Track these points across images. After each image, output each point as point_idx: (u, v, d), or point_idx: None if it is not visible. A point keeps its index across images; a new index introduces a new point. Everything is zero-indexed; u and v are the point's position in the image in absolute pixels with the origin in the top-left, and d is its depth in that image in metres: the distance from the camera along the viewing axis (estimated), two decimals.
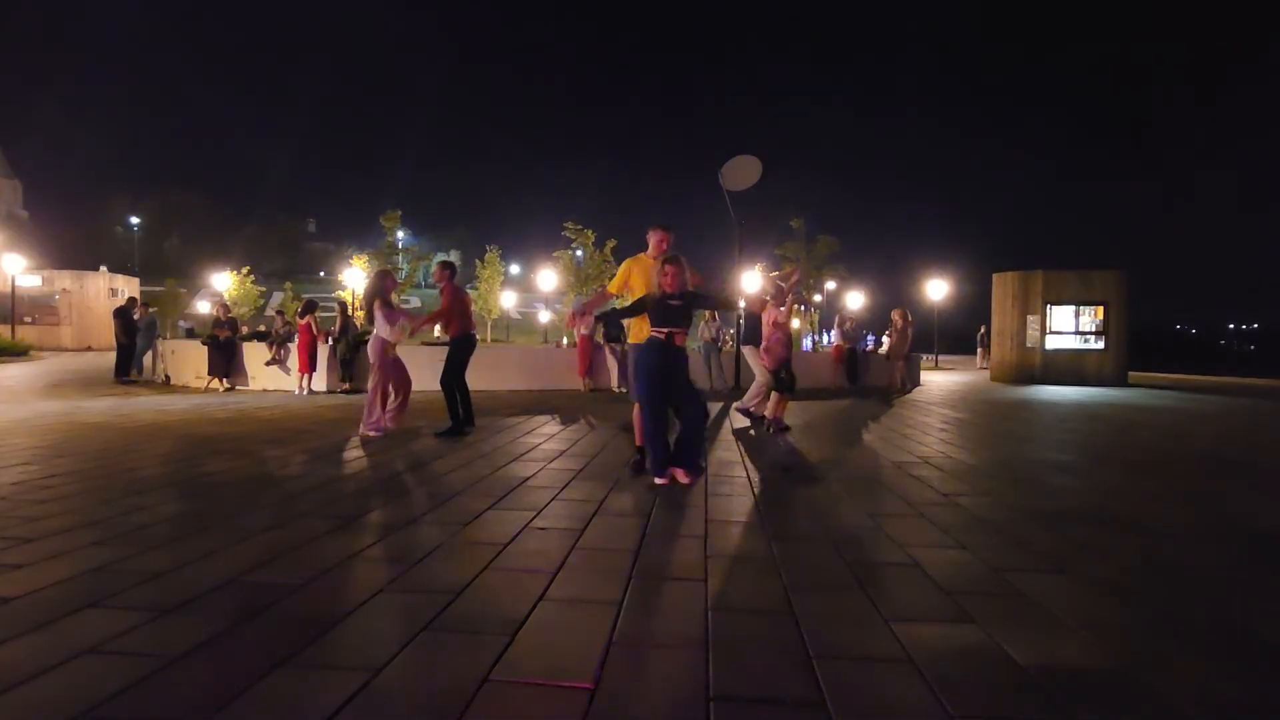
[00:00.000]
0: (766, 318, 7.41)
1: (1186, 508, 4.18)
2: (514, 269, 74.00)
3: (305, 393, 11.23)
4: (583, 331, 12.83)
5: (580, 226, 36.74)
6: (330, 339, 12.15)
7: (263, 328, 17.06)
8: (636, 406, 4.99)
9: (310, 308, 11.69)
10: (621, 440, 6.29)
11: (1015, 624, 2.37)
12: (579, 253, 38.32)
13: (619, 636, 2.23)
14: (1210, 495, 4.61)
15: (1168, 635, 2.32)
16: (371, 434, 6.48)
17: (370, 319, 6.71)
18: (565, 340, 33.51)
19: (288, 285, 56.82)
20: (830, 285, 38.80)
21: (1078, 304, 16.42)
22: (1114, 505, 4.24)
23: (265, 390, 11.87)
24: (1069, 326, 16.48)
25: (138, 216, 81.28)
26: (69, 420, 7.64)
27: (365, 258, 38.90)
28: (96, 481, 4.47)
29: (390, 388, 6.70)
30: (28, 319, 28.70)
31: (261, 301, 51.99)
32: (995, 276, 17.73)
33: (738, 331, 13.08)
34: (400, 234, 45.09)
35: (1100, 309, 16.31)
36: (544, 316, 49.64)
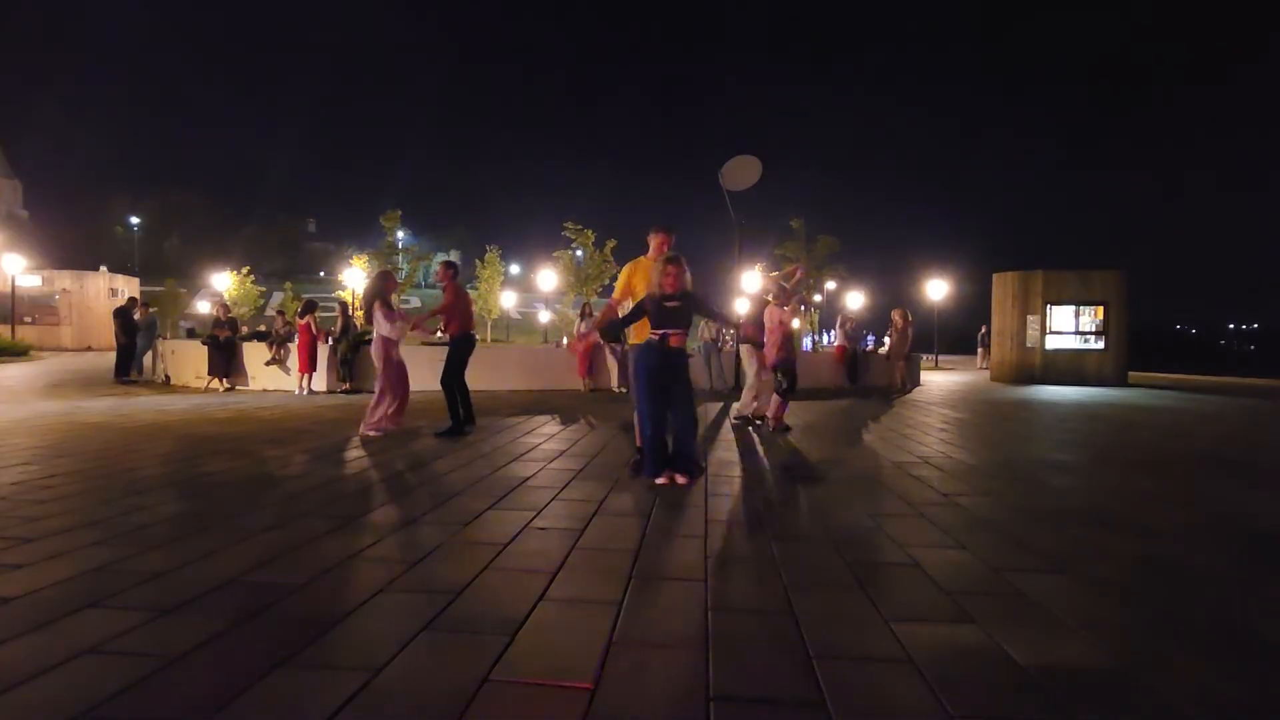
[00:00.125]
0: (770, 317, 7.41)
1: (1186, 508, 4.18)
2: (514, 269, 73.96)
3: (305, 393, 11.23)
4: (583, 331, 12.85)
5: (580, 226, 36.70)
6: (330, 339, 12.15)
7: (263, 328, 17.06)
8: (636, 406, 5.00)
9: (310, 308, 11.68)
10: (621, 440, 6.29)
11: (1015, 624, 2.37)
12: (579, 253, 38.28)
13: (619, 636, 2.23)
14: (1210, 495, 4.61)
15: (1168, 635, 2.32)
16: (372, 434, 6.48)
17: (370, 319, 6.71)
18: (565, 340, 33.52)
19: (288, 285, 56.74)
20: (830, 285, 38.79)
21: (1078, 304, 16.41)
22: (1114, 505, 4.24)
23: (265, 390, 11.87)
24: (1069, 326, 16.47)
25: (138, 216, 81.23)
26: (69, 420, 7.64)
27: (365, 258, 38.86)
28: (96, 481, 4.47)
29: (390, 389, 6.70)
30: (28, 319, 28.69)
31: (261, 301, 51.92)
32: (995, 276, 17.72)
33: (737, 331, 13.08)
34: (400, 234, 45.04)
35: (1100, 309, 16.30)
36: (544, 316, 49.61)
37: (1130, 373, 16.75)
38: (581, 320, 13.13)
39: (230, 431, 6.86)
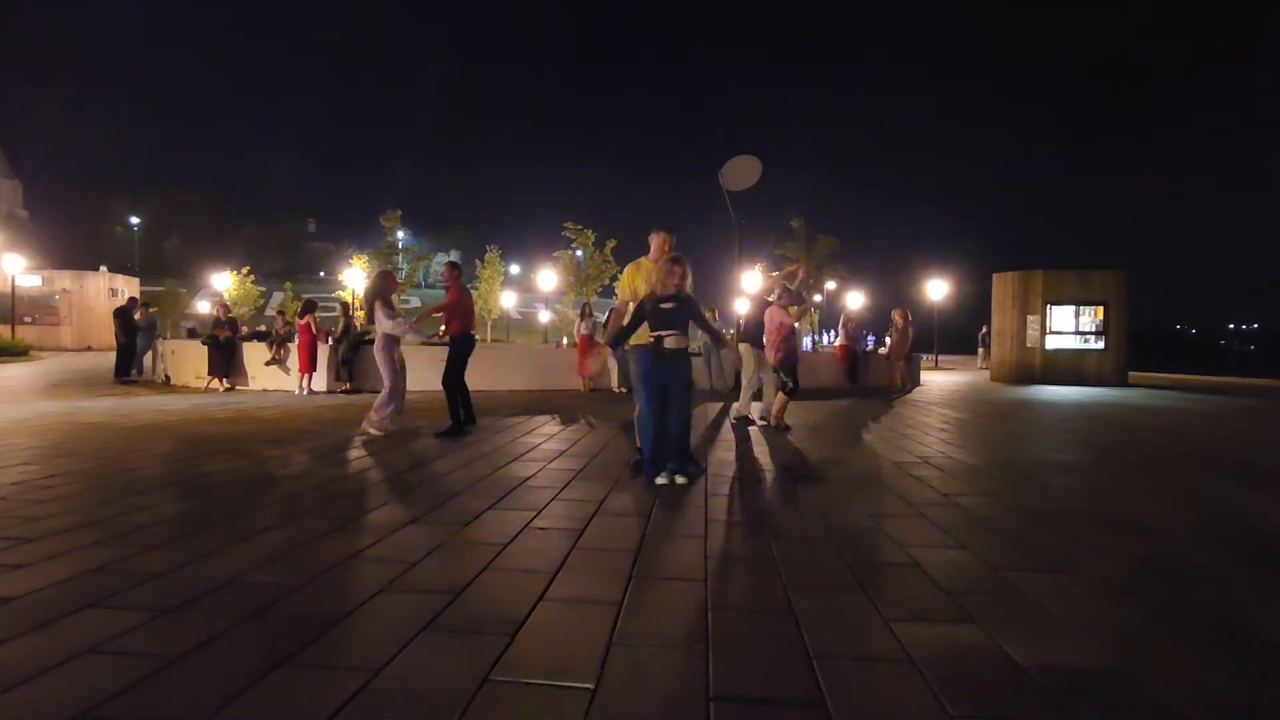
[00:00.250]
0: (770, 318, 7.41)
1: (1186, 508, 4.18)
2: (514, 269, 73.98)
3: (305, 393, 11.23)
4: (583, 331, 12.85)
5: (580, 226, 36.73)
6: (330, 339, 12.15)
7: (263, 328, 17.07)
8: (638, 407, 5.00)
9: (310, 308, 11.68)
10: (621, 440, 6.29)
11: (1015, 624, 2.37)
12: (579, 253, 38.30)
13: (619, 636, 2.23)
14: (1210, 495, 4.61)
15: (1168, 635, 2.32)
16: (374, 431, 6.49)
17: (371, 319, 6.73)
18: (565, 340, 33.52)
19: (288, 285, 56.79)
20: (830, 285, 38.80)
21: (1078, 304, 16.41)
22: (1114, 505, 4.25)
23: (265, 390, 11.87)
24: (1069, 326, 16.47)
25: (138, 216, 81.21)
26: (69, 420, 7.64)
27: (365, 258, 38.87)
28: (96, 481, 4.47)
29: (396, 388, 6.71)
30: (28, 319, 28.68)
31: (261, 301, 51.96)
32: (995, 276, 17.72)
33: (737, 330, 13.05)
34: (400, 234, 45.08)
35: (1100, 309, 16.29)
36: (544, 316, 49.62)
37: (1130, 373, 16.75)
38: (581, 320, 13.12)
39: (230, 431, 6.86)
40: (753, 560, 3.04)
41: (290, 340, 11.86)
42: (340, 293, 36.40)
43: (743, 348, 7.97)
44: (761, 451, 6.01)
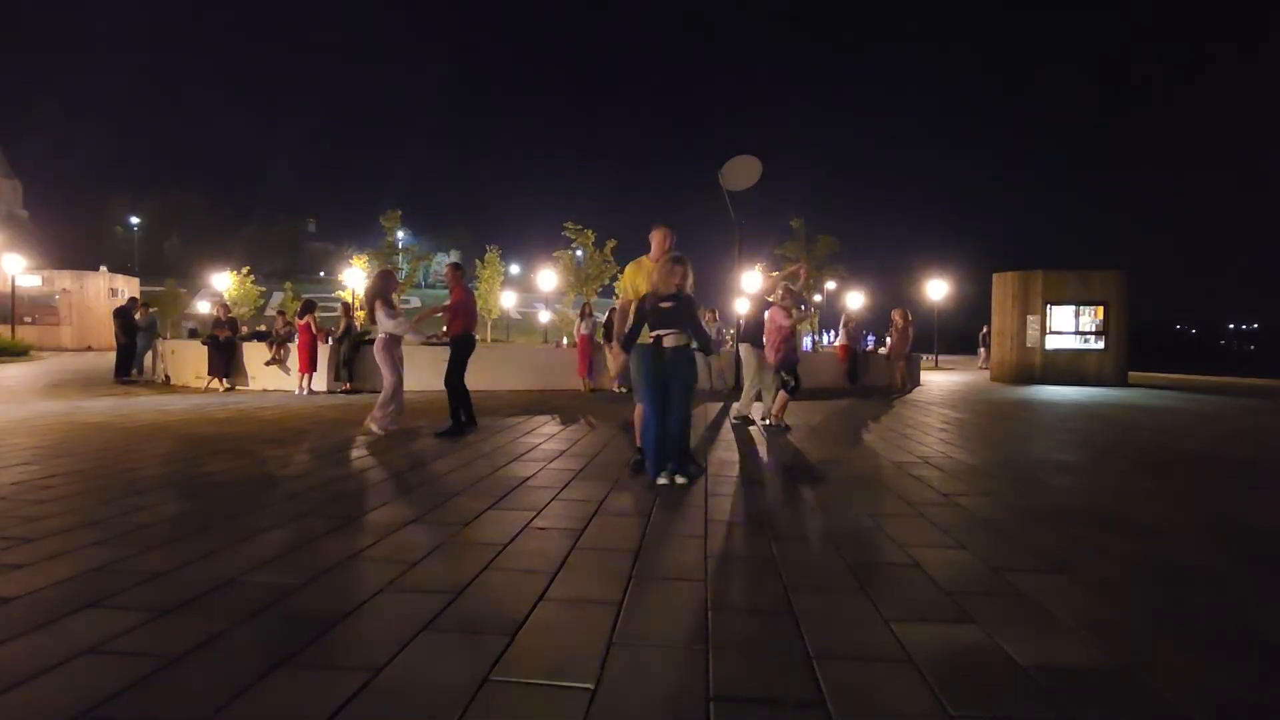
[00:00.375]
0: (772, 320, 7.41)
1: (1186, 508, 4.18)
2: (514, 269, 73.99)
3: (305, 393, 11.23)
4: (583, 331, 12.85)
5: (580, 226, 36.71)
6: (330, 339, 12.15)
7: (263, 328, 17.06)
8: (638, 407, 5.00)
9: (309, 308, 11.68)
10: (621, 440, 6.29)
11: (1015, 624, 2.37)
12: (579, 253, 38.29)
13: (619, 636, 2.23)
14: (1210, 495, 4.61)
15: (1168, 635, 2.32)
16: (377, 430, 6.49)
17: (372, 318, 6.74)
18: (565, 340, 33.51)
19: (288, 285, 56.78)
20: (830, 285, 38.80)
21: (1078, 304, 16.41)
22: (1114, 505, 4.24)
23: (265, 390, 11.87)
24: (1069, 326, 16.47)
25: (138, 216, 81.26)
26: (69, 420, 7.64)
27: (365, 258, 38.86)
28: (96, 481, 4.47)
29: (397, 387, 6.71)
30: (28, 319, 28.69)
31: (261, 301, 51.95)
32: (995, 276, 17.72)
33: (737, 331, 13.04)
34: (400, 234, 45.05)
35: (1100, 309, 16.30)
36: (544, 316, 49.63)
37: (1130, 373, 16.75)
38: (581, 320, 13.12)
39: (230, 431, 6.86)
40: (753, 560, 3.04)
41: (290, 340, 11.86)
42: (341, 292, 36.39)
43: (744, 348, 7.98)
44: (762, 451, 6.01)
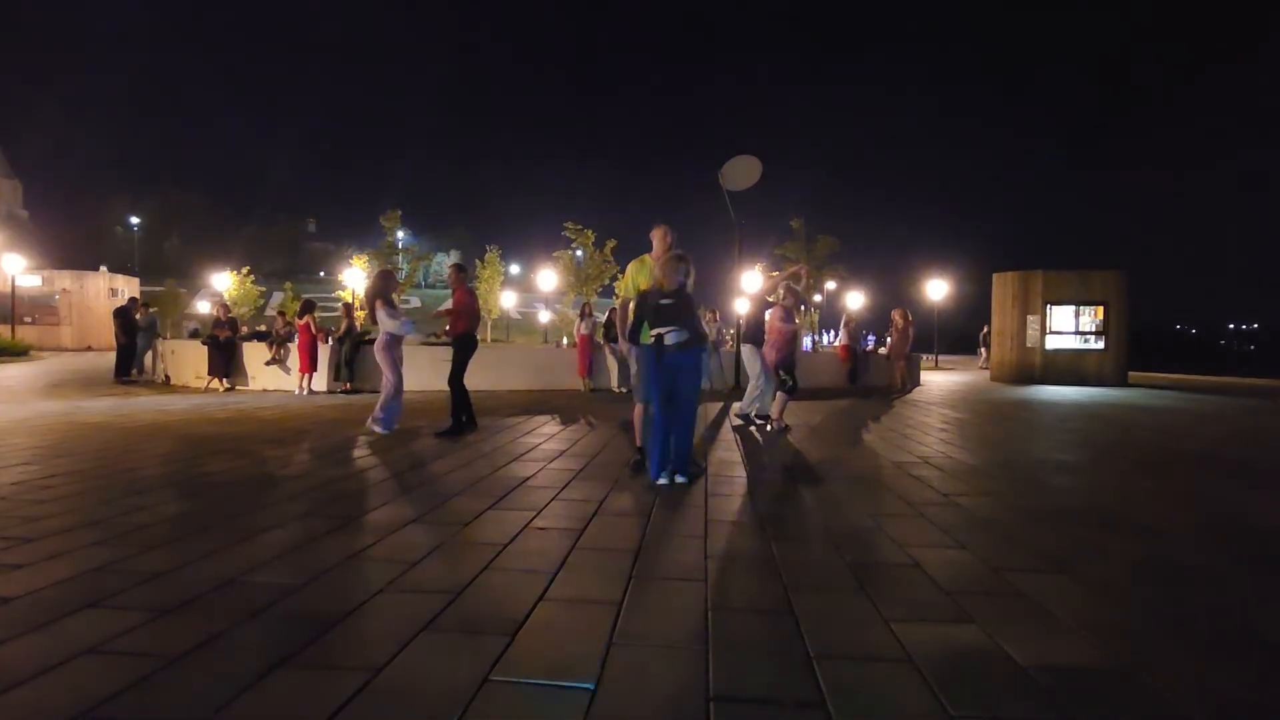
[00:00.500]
0: (772, 328, 7.41)
1: (1186, 508, 4.18)
2: (514, 269, 74.00)
3: (305, 393, 11.22)
4: (583, 331, 12.85)
5: (580, 226, 36.74)
6: (330, 339, 12.15)
7: (263, 328, 17.06)
8: (638, 406, 4.99)
9: (309, 308, 11.68)
10: (621, 440, 6.29)
11: (1015, 624, 2.37)
12: (579, 253, 38.31)
13: (619, 636, 2.23)
14: (1210, 495, 4.61)
15: (1168, 635, 2.32)
16: (379, 430, 6.49)
17: (373, 318, 6.74)
18: (565, 340, 33.51)
19: (288, 285, 56.76)
20: (830, 285, 38.83)
21: (1078, 304, 16.41)
22: (1114, 505, 4.25)
23: (265, 390, 11.87)
24: (1069, 326, 16.47)
25: (138, 216, 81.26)
26: (69, 420, 7.64)
27: (365, 258, 38.88)
28: (96, 481, 4.47)
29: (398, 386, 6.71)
30: (28, 319, 28.70)
31: (261, 301, 51.96)
32: (995, 276, 17.72)
33: (738, 331, 13.06)
34: (400, 234, 45.07)
35: (1100, 309, 16.30)
36: (544, 316, 49.64)
37: (1130, 373, 16.75)
38: (581, 320, 13.12)
39: (230, 431, 6.86)
40: (753, 560, 3.04)
41: (290, 340, 11.86)
42: (341, 292, 36.39)
43: (746, 349, 7.99)
44: (762, 451, 6.01)
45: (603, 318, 13.70)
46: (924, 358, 21.99)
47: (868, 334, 24.92)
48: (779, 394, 7.35)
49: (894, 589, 2.70)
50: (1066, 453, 6.21)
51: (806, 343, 35.08)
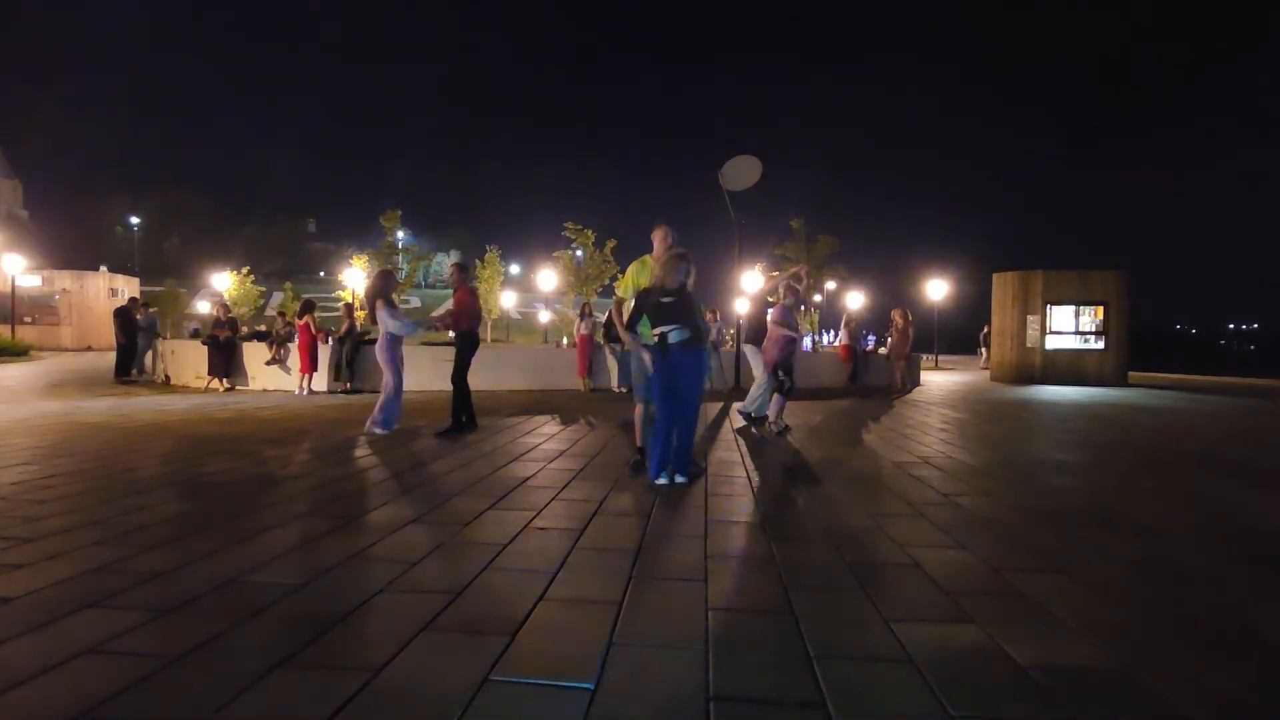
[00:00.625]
0: (771, 334, 7.41)
1: (1186, 508, 4.18)
2: (514, 269, 73.98)
3: (305, 393, 11.22)
4: (583, 331, 12.85)
5: (580, 226, 36.70)
6: (331, 339, 12.15)
7: (263, 328, 17.07)
8: (638, 406, 4.99)
9: (308, 308, 11.68)
10: (621, 440, 6.29)
11: (1015, 624, 2.37)
12: (579, 253, 38.27)
13: (619, 636, 2.23)
14: (1210, 495, 4.61)
15: (1168, 635, 2.32)
16: (379, 431, 6.49)
17: (373, 318, 6.74)
18: (565, 340, 33.51)
19: (288, 285, 56.73)
20: (830, 285, 38.81)
21: (1078, 304, 16.41)
22: (1114, 505, 4.24)
23: (265, 390, 11.87)
24: (1069, 326, 16.47)
25: (138, 216, 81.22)
26: (69, 420, 7.64)
27: (365, 258, 38.85)
28: (96, 481, 4.47)
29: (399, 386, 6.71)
30: (28, 319, 28.69)
31: (261, 301, 51.93)
32: (995, 276, 17.72)
33: (738, 331, 13.06)
34: (400, 234, 45.02)
35: (1100, 309, 16.30)
36: (544, 316, 49.64)
37: (1130, 373, 16.75)
38: (581, 320, 13.12)
39: (230, 431, 6.86)
40: (753, 560, 3.04)
41: (290, 340, 11.86)
42: (341, 293, 36.39)
43: (748, 349, 7.99)
44: (762, 451, 6.01)
45: (603, 318, 13.70)
46: (924, 358, 21.99)
47: (868, 334, 24.94)
48: (775, 395, 7.33)
49: (894, 589, 2.70)
50: (1066, 453, 6.21)
51: (807, 343, 35.09)
